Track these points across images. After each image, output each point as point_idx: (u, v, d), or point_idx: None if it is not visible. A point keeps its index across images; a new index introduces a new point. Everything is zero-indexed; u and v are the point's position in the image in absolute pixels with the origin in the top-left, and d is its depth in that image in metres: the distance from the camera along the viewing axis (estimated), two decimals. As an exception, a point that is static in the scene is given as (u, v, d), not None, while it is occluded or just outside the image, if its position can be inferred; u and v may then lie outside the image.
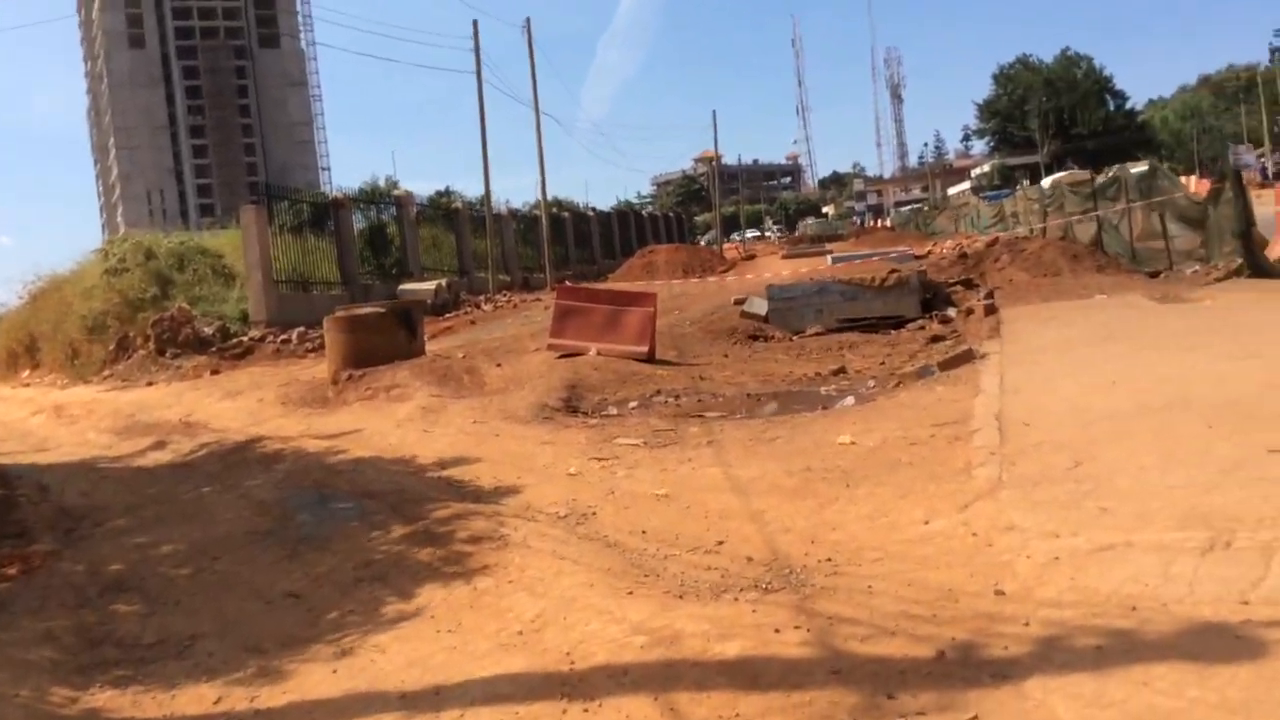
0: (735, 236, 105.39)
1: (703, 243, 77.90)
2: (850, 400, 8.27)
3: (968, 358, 8.73)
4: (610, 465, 6.33)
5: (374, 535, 5.24)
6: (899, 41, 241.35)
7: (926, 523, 4.38)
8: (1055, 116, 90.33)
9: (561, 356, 12.82)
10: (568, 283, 22.99)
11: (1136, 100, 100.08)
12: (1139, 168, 18.08)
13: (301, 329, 20.61)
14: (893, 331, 15.00)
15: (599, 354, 12.74)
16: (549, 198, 54.93)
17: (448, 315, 26.17)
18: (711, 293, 25.96)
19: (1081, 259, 16.07)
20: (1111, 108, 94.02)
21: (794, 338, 15.31)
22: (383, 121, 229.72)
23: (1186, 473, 4.25)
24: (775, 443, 6.32)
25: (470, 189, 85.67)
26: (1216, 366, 6.08)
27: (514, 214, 40.59)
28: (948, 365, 8.74)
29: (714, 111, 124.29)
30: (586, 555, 4.55)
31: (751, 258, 59.22)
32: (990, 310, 11.51)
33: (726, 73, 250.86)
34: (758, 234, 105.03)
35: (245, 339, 20.99)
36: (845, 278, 16.23)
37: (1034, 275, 15.69)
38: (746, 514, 4.92)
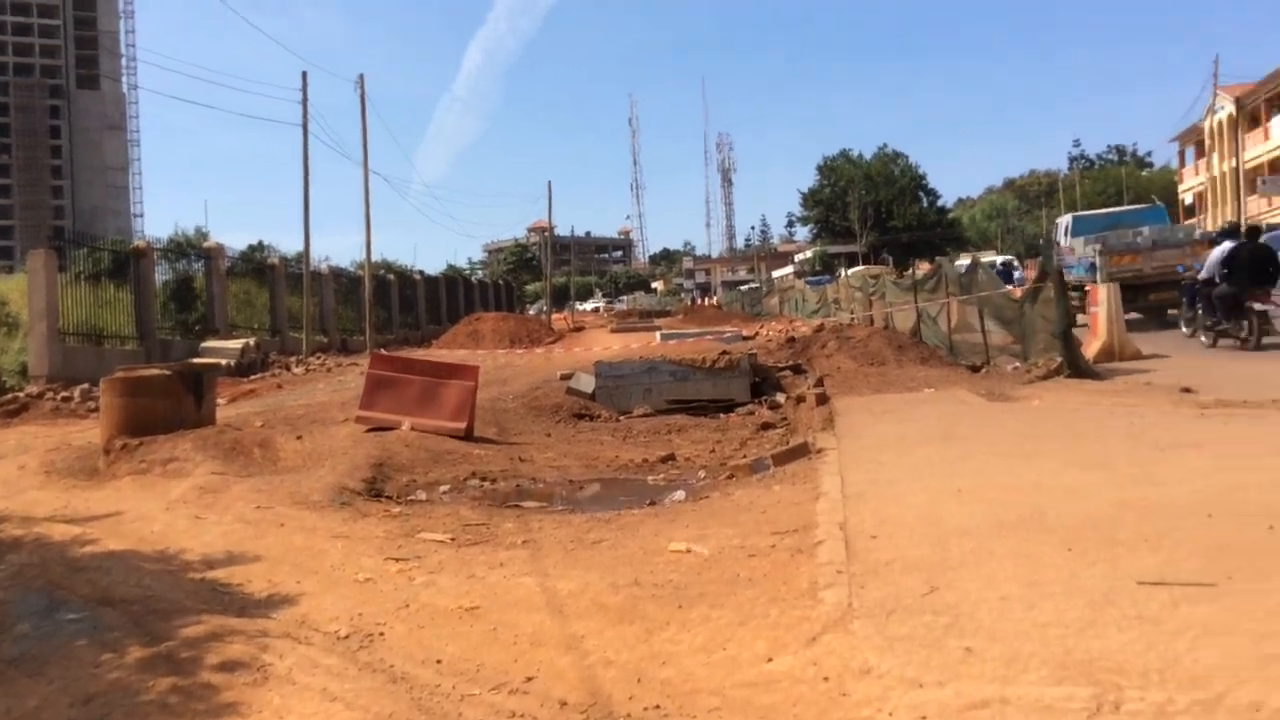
0: (575, 307, 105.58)
1: (532, 312, 77.49)
2: (680, 494, 7.68)
3: (803, 452, 8.30)
4: (409, 569, 5.50)
5: (104, 658, 4.25)
6: (731, 127, 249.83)
7: (770, 660, 3.76)
8: (874, 209, 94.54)
9: (371, 430, 11.85)
10: (383, 350, 21.65)
11: (947, 198, 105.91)
12: (962, 261, 18.52)
13: (86, 386, 18.80)
14: (722, 415, 14.64)
15: (413, 429, 11.83)
16: (376, 258, 53.43)
17: (253, 377, 24.55)
18: (537, 365, 25.28)
19: (906, 350, 16.18)
20: (925, 204, 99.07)
21: (621, 418, 14.75)
22: (207, 172, 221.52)
23: (1055, 607, 3.79)
24: (599, 547, 5.64)
25: (294, 245, 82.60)
26: (1065, 477, 5.76)
27: (335, 273, 38.98)
28: (782, 459, 8.29)
29: (549, 182, 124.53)
30: (364, 695, 3.73)
31: (580, 329, 58.94)
32: (822, 400, 11.22)
33: (564, 145, 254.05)
34: (598, 306, 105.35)
35: (21, 394, 18.99)
36: (675, 358, 15.85)
37: (861, 364, 15.67)
38: (563, 640, 4.20)
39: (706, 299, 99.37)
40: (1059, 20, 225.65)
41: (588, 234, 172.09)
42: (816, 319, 33.86)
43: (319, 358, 29.98)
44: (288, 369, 28.26)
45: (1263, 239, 16.59)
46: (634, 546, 5.53)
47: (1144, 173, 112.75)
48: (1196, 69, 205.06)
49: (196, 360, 26.41)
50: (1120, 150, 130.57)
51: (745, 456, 9.93)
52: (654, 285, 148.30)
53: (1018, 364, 13.84)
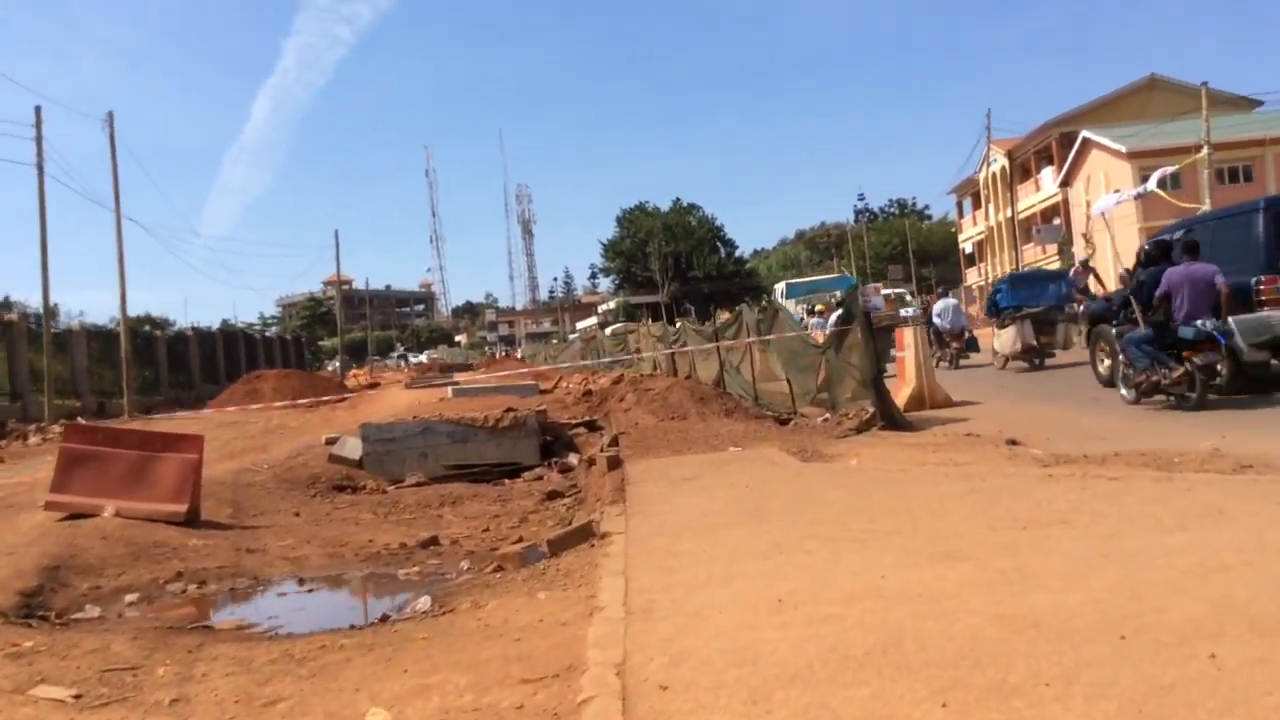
0: (375, 362, 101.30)
1: (331, 369, 73.46)
2: (425, 601, 5.92)
3: (586, 535, 6.70)
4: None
5: None
6: (530, 179, 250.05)
7: None
8: (674, 259, 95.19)
9: (67, 519, 9.56)
10: (80, 420, 18.72)
11: (744, 249, 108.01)
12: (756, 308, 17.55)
13: None
14: (507, 481, 12.94)
15: (119, 515, 9.59)
16: (143, 314, 49.19)
17: (-27, 451, 21.17)
18: (316, 425, 22.86)
19: (709, 401, 14.93)
20: (723, 254, 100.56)
21: (391, 488, 12.82)
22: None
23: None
24: (273, 710, 3.83)
25: (76, 300, 75.99)
26: (916, 576, 4.36)
27: (89, 330, 35.14)
28: (561, 545, 6.67)
29: (336, 231, 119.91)
30: None
31: (375, 385, 55.89)
32: (614, 463, 9.69)
33: (360, 197, 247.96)
34: (403, 358, 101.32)
35: None
36: (454, 417, 14.04)
37: (661, 418, 14.29)
38: None
39: (510, 352, 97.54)
40: (840, 80, 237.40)
41: (388, 287, 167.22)
42: (616, 371, 32.63)
43: (63, 425, 26.43)
44: (24, 439, 24.81)
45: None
46: (318, 713, 3.75)
47: (924, 224, 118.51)
48: (970, 125, 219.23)
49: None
50: (901, 204, 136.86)
51: (521, 539, 8.24)
52: (457, 339, 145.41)
53: (827, 415, 12.73)
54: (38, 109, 25.80)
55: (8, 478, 15.32)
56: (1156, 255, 12.33)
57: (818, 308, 27.19)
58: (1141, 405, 11.76)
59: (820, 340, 16.38)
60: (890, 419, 11.49)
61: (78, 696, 4.44)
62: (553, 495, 10.66)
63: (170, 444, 10.15)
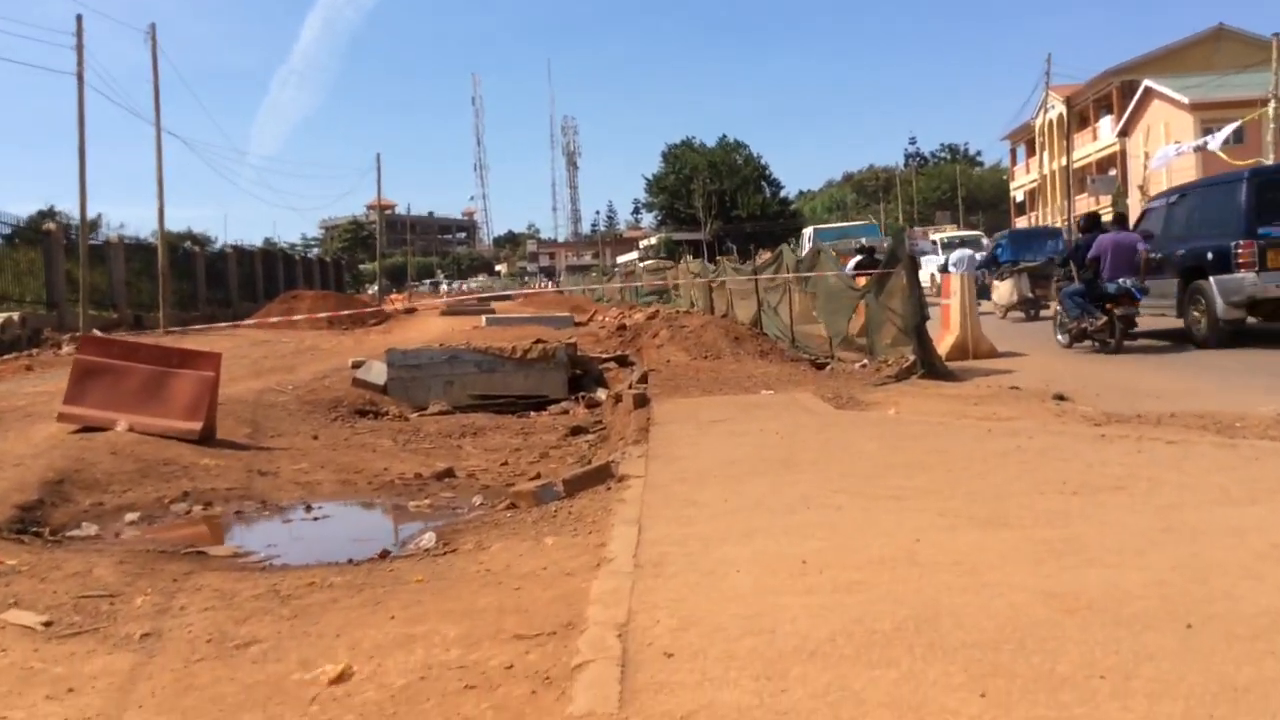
0: (416, 287, 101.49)
1: (369, 292, 73.54)
2: (430, 538, 5.61)
3: (603, 476, 6.35)
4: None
5: None
6: (577, 111, 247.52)
7: None
8: (718, 197, 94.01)
9: (80, 431, 9.37)
10: (96, 332, 18.51)
11: (790, 190, 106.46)
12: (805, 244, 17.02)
13: None
14: (532, 414, 12.63)
15: (132, 430, 9.38)
16: (185, 230, 49.20)
17: (6, 357, 21.20)
18: (347, 348, 22.69)
19: (743, 341, 14.51)
20: (768, 194, 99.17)
21: (413, 415, 12.56)
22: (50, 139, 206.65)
23: None
24: (236, 661, 3.53)
25: (120, 214, 76.26)
26: (955, 541, 3.96)
27: (128, 242, 35.12)
28: (577, 486, 6.32)
29: (378, 155, 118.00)
30: None
31: (412, 311, 55.81)
32: (641, 401, 9.33)
33: (407, 123, 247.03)
34: (435, 285, 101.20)
35: None
36: (482, 346, 13.72)
37: (694, 356, 13.90)
38: None
39: (550, 283, 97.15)
40: (895, 21, 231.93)
41: (431, 214, 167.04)
42: (655, 305, 32.22)
43: (99, 335, 26.48)
44: (58, 348, 24.84)
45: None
46: (293, 656, 3.44)
47: (975, 171, 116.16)
48: (1024, 72, 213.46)
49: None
50: (953, 149, 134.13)
51: (538, 476, 7.92)
52: (498, 268, 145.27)
53: (865, 361, 12.27)
54: (79, 17, 25.47)
55: (34, 386, 15.23)
56: (1090, 225, 15.22)
57: (861, 243, 26.54)
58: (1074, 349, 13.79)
59: (861, 283, 15.89)
60: (931, 368, 11.02)
61: (48, 624, 4.18)
62: (576, 431, 10.33)
63: (187, 360, 9.90)
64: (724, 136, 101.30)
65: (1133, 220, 15.77)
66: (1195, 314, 13.04)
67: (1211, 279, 12.38)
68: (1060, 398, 8.88)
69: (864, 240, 21.91)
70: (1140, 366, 11.81)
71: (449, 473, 8.25)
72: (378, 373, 13.57)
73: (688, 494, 5.26)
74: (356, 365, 14.64)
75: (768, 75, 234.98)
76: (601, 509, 5.33)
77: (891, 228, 16.31)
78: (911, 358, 11.21)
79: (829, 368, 12.64)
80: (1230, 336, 12.63)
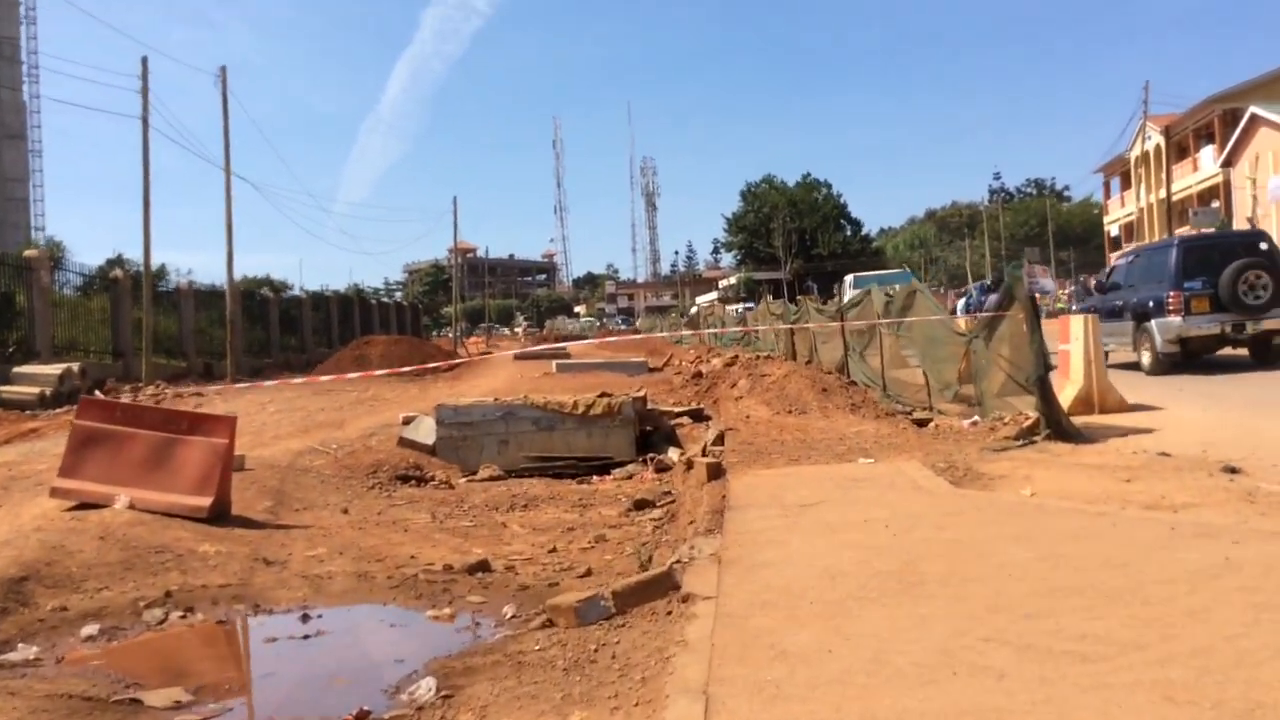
0: (493, 329, 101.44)
1: (443, 335, 73.20)
2: (426, 688, 4.19)
3: (663, 589, 4.90)
4: None
5: None
6: (656, 152, 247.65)
7: None
8: (798, 236, 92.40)
9: (75, 508, 8.23)
10: (98, 394, 17.25)
11: (870, 228, 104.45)
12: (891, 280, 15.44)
13: None
14: (595, 479, 11.22)
15: (134, 507, 8.21)
16: (259, 275, 49.16)
17: (59, 410, 20.50)
18: (412, 397, 21.61)
19: (832, 393, 12.94)
20: (848, 232, 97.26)
21: (462, 480, 11.24)
22: (118, 188, 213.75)
23: None
24: None
25: (188, 261, 77.43)
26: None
27: (196, 289, 34.76)
28: (629, 600, 4.89)
29: (455, 198, 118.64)
30: None
31: (487, 355, 55.01)
32: (716, 472, 7.86)
33: (488, 167, 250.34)
34: (490, 329, 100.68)
35: None
36: (540, 401, 12.35)
37: (776, 410, 12.39)
38: None
39: (626, 327, 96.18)
40: (976, 55, 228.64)
41: (511, 256, 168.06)
42: (733, 349, 30.69)
43: (158, 386, 25.83)
44: (123, 397, 24.18)
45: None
46: None
47: (1064, 205, 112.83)
48: (1111, 105, 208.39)
49: (4, 389, 22.29)
50: (1039, 184, 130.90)
51: (589, 572, 6.48)
52: (577, 309, 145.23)
53: (976, 419, 10.62)
54: (144, 59, 25.09)
55: (60, 446, 14.29)
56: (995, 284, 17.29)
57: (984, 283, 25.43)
58: None
59: (964, 326, 14.31)
60: (1058, 427, 9.35)
61: None
62: (641, 505, 8.87)
63: (197, 425, 8.69)
64: (805, 175, 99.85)
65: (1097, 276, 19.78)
66: (1145, 349, 15.97)
67: (1153, 321, 15.55)
68: (1232, 470, 7.18)
69: (897, 287, 20.56)
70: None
71: (483, 565, 6.84)
72: (426, 431, 12.30)
73: (774, 636, 3.77)
74: (406, 421, 13.41)
75: (848, 112, 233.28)
76: (656, 654, 3.87)
77: (1012, 269, 15.15)
78: (1033, 415, 9.56)
79: (932, 424, 11.01)
80: (1169, 366, 15.47)
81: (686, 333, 49.97)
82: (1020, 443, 8.91)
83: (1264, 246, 15.84)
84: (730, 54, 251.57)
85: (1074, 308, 22.83)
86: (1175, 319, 15.24)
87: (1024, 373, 9.97)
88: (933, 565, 4.60)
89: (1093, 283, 19.76)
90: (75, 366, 23.88)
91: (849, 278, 45.06)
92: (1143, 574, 4.23)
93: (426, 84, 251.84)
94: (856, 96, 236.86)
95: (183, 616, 6.03)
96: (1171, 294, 15.24)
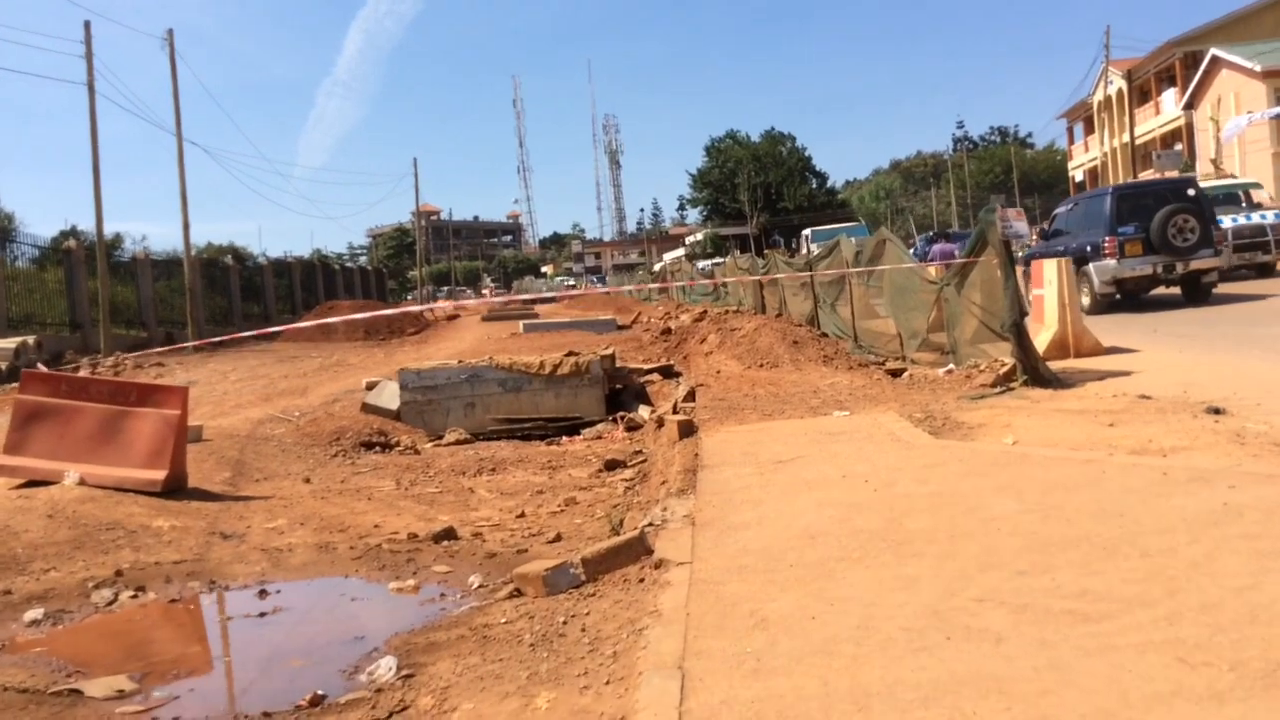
0: (468, 292, 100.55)
1: (409, 299, 72.38)
2: (388, 667, 3.94)
3: (635, 554, 4.67)
4: None
5: None
6: (618, 110, 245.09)
7: None
8: (763, 190, 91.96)
9: (21, 487, 7.88)
10: (41, 366, 16.40)
11: (835, 180, 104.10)
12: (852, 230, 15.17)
13: None
14: (564, 440, 10.97)
15: (84, 483, 7.88)
16: (223, 244, 48.28)
17: (11, 386, 19.92)
18: (375, 364, 21.25)
19: (803, 345, 12.71)
20: (814, 185, 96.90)
21: (428, 445, 10.95)
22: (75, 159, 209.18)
23: None
24: None
25: (151, 230, 76.09)
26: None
27: (154, 258, 34.00)
28: (599, 566, 4.65)
29: (414, 159, 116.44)
30: None
31: (454, 318, 54.35)
32: (687, 430, 7.62)
33: (449, 129, 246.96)
34: (455, 292, 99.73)
35: None
36: (506, 362, 12.05)
37: (748, 365, 12.15)
38: None
39: (591, 286, 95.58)
40: (934, 5, 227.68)
41: (476, 218, 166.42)
42: (704, 304, 30.41)
43: (117, 357, 25.25)
44: (80, 371, 23.57)
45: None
46: None
47: (1028, 152, 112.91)
48: (1072, 50, 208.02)
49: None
50: (1002, 131, 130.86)
51: (558, 537, 6.24)
52: (544, 269, 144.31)
53: (951, 366, 10.44)
54: (86, 24, 24.21)
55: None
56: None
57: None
58: None
59: (934, 274, 14.09)
60: (1035, 374, 9.16)
61: None
62: (611, 465, 8.63)
63: (147, 396, 8.34)
64: (769, 129, 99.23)
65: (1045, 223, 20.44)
66: (1084, 291, 16.14)
67: (1091, 264, 16.42)
68: (1216, 410, 7.02)
69: (853, 240, 20.58)
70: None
71: (449, 533, 6.58)
72: (390, 396, 11.98)
73: (753, 603, 3.53)
74: (370, 387, 13.07)
75: (810, 65, 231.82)
76: (628, 626, 3.63)
77: (985, 213, 14.84)
78: (1009, 362, 9.37)
79: (906, 374, 10.81)
80: (1107, 306, 16.50)
81: (654, 286, 49.69)
82: (998, 390, 8.72)
83: (1191, 193, 16.93)
84: (689, 8, 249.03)
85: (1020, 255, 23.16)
86: (1111, 262, 16.27)
87: (998, 319, 9.77)
88: (917, 521, 4.38)
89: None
90: (31, 340, 23.26)
91: (807, 232, 46.39)
92: (1139, 524, 4.02)
93: (382, 45, 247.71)
94: (818, 48, 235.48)
95: (134, 596, 5.73)
96: (1107, 239, 16.31)
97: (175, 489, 8.11)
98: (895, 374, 10.90)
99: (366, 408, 12.01)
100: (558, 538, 6.22)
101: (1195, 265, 16.13)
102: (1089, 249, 16.75)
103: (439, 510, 7.57)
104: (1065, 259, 12.09)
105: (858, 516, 4.56)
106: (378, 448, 10.60)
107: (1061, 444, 6.08)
